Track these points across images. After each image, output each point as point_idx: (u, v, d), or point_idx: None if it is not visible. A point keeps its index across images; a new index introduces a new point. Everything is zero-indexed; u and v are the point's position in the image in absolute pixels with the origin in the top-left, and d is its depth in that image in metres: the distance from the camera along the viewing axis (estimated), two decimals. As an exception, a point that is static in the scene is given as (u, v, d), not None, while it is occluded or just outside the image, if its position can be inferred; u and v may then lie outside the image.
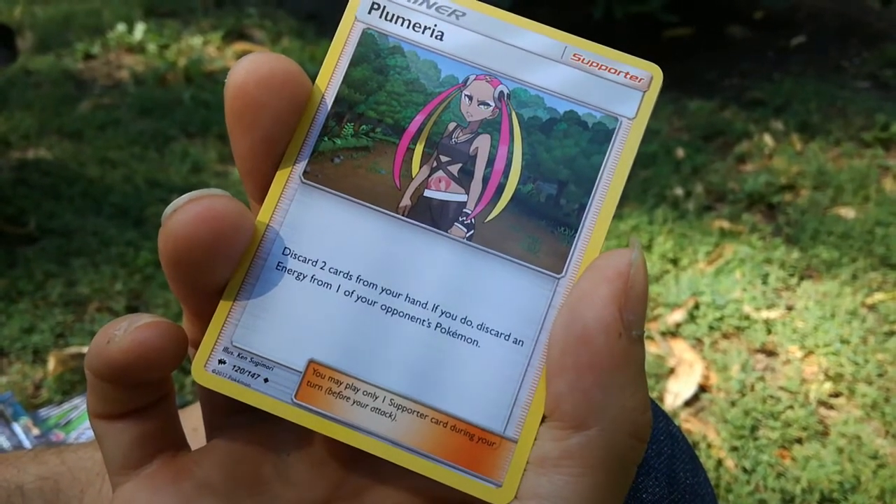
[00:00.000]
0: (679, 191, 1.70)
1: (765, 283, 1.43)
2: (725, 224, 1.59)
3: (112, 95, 2.17)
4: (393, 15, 0.25)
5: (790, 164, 1.78)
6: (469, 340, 0.23)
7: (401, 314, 0.24)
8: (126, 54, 2.41)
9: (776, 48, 2.33)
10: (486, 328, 0.23)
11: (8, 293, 1.41)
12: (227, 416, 0.26)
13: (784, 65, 2.23)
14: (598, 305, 0.21)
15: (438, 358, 0.23)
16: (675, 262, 1.49)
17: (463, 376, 0.23)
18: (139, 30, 2.47)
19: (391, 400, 0.23)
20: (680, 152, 1.84)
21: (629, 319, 0.21)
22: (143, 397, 0.24)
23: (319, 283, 0.24)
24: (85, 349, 1.29)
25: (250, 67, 0.23)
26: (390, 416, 0.23)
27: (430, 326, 0.23)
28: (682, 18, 2.23)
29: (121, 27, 2.49)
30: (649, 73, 0.25)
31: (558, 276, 0.24)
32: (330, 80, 0.25)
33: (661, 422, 0.43)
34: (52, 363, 1.27)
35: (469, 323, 0.23)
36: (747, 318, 1.35)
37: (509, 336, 0.23)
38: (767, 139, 1.88)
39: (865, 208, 1.62)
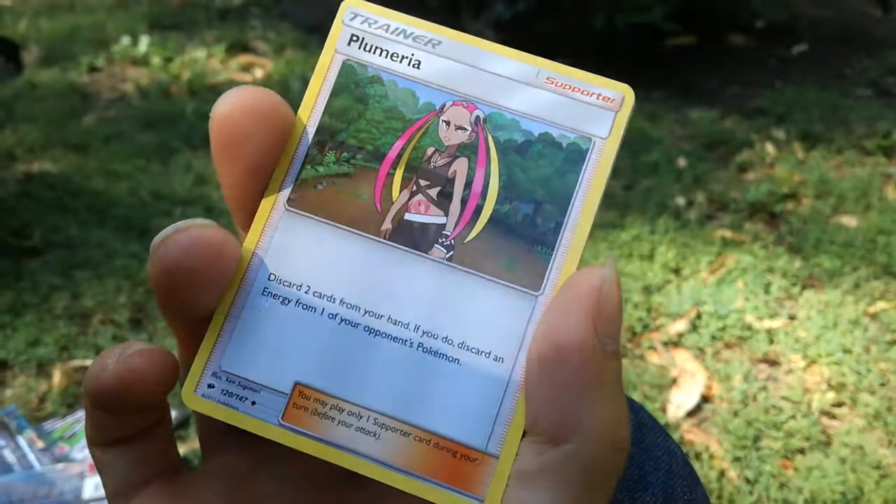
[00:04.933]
0: (681, 200, 1.70)
1: (767, 292, 1.43)
2: (727, 233, 1.59)
3: (116, 108, 2.19)
4: (372, 46, 0.26)
5: (792, 172, 1.78)
6: (450, 359, 0.24)
7: (383, 335, 0.24)
8: (130, 67, 2.42)
9: (777, 57, 2.33)
10: (467, 346, 0.24)
11: (13, 306, 1.41)
12: (222, 438, 0.26)
13: (785, 73, 2.24)
14: (571, 322, 0.22)
15: (421, 377, 0.24)
16: (676, 271, 1.49)
17: (445, 394, 0.24)
18: (143, 43, 2.49)
19: (375, 419, 0.24)
20: (682, 161, 1.84)
21: (602, 334, 0.22)
22: (139, 422, 0.25)
23: (304, 306, 0.24)
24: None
25: (234, 100, 0.24)
26: (375, 435, 0.23)
27: (412, 346, 0.24)
28: (684, 28, 2.24)
29: (125, 40, 2.51)
30: (621, 94, 0.25)
31: (536, 293, 0.24)
32: (312, 110, 0.26)
33: (659, 437, 0.43)
34: (56, 376, 1.28)
35: (450, 342, 0.24)
36: (749, 327, 1.35)
37: (490, 354, 0.24)
38: (769, 148, 1.88)
39: (867, 217, 1.62)
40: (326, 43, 0.26)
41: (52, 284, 1.46)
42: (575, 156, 0.25)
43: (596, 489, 0.22)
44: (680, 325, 1.36)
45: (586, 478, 0.22)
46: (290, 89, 2.15)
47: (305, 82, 0.26)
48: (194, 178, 1.83)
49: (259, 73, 2.38)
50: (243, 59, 2.48)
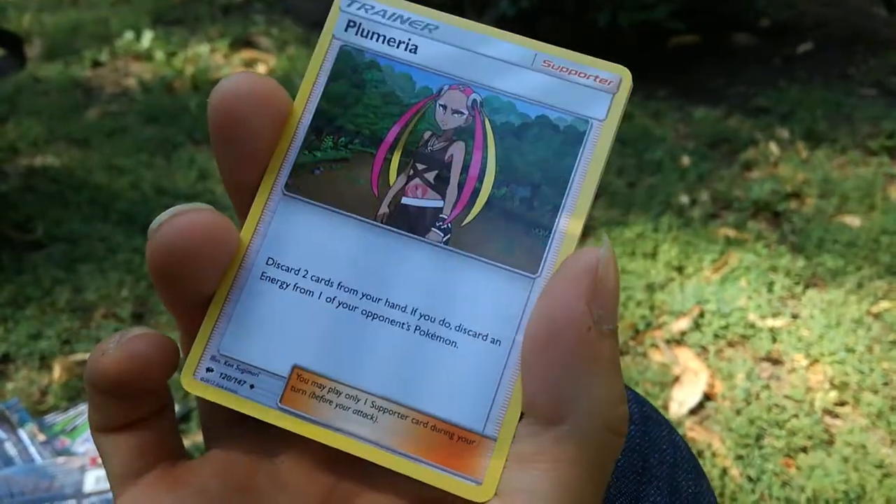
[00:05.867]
0: (684, 198, 1.70)
1: (770, 291, 1.42)
2: (731, 232, 1.59)
3: (119, 103, 2.19)
4: (368, 31, 0.26)
5: (796, 171, 1.78)
6: (447, 342, 0.24)
7: (381, 318, 0.24)
8: (133, 62, 2.43)
9: (782, 56, 2.33)
10: (465, 329, 0.24)
11: (15, 299, 1.42)
12: (224, 426, 0.26)
13: (790, 72, 2.23)
14: (566, 302, 0.22)
15: (418, 360, 0.24)
16: (680, 269, 1.49)
17: (442, 377, 0.24)
18: (147, 38, 2.49)
19: (372, 402, 0.24)
20: (685, 160, 1.84)
21: (599, 314, 0.22)
22: (140, 408, 0.25)
23: (302, 290, 0.24)
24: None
25: (231, 86, 0.24)
26: (372, 417, 0.24)
27: (409, 329, 0.24)
28: (688, 26, 2.24)
29: (128, 35, 2.51)
30: (618, 76, 0.25)
31: (534, 276, 0.24)
32: (309, 95, 0.26)
33: (665, 430, 0.43)
34: (57, 370, 1.28)
35: (447, 325, 0.24)
36: (752, 326, 1.35)
37: (487, 336, 0.24)
38: (773, 147, 1.88)
39: (871, 216, 1.62)
40: (324, 29, 0.26)
41: (55, 278, 1.46)
42: (572, 138, 0.25)
43: (592, 470, 0.22)
44: (683, 323, 1.36)
45: (582, 458, 0.22)
46: (293, 85, 2.15)
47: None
48: (197, 172, 1.83)
49: (262, 69, 2.38)
50: (246, 54, 2.48)
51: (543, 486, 0.21)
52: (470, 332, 0.24)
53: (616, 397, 0.22)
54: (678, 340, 1.34)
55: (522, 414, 0.23)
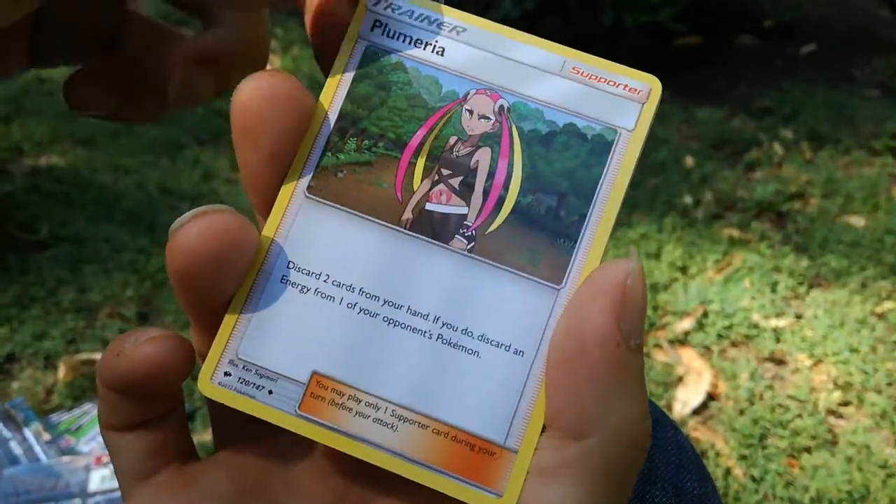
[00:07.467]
0: (688, 199, 1.70)
1: (774, 291, 1.42)
2: (734, 232, 1.59)
3: (124, 103, 2.19)
4: (395, 32, 0.25)
5: (799, 172, 1.78)
6: (470, 351, 0.23)
7: (402, 326, 0.24)
8: (138, 62, 2.43)
9: (785, 57, 2.33)
10: (487, 339, 0.23)
11: (20, 299, 1.42)
12: (235, 427, 0.26)
13: (793, 73, 2.23)
14: (594, 316, 0.22)
15: (440, 369, 0.23)
16: (683, 270, 1.49)
17: (464, 387, 0.23)
18: (151, 38, 2.49)
19: (393, 411, 0.23)
20: (689, 160, 1.84)
21: (627, 329, 0.22)
22: (153, 409, 0.24)
23: (323, 295, 0.24)
24: (96, 356, 1.30)
25: (255, 85, 0.23)
26: (392, 426, 0.23)
27: (431, 338, 0.24)
28: (692, 27, 2.24)
29: (133, 35, 2.51)
30: (648, 85, 0.25)
31: (558, 286, 0.24)
32: (333, 96, 0.25)
33: (670, 431, 0.43)
34: (62, 369, 1.28)
35: (470, 334, 0.23)
36: (756, 326, 1.35)
37: (510, 347, 0.23)
38: (777, 147, 1.88)
39: (875, 217, 1.62)
40: (349, 28, 0.26)
41: (60, 278, 1.47)
42: (600, 147, 0.24)
43: (615, 486, 0.22)
44: (686, 324, 1.36)
45: (606, 474, 0.21)
46: (298, 85, 2.15)
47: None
48: (202, 173, 1.83)
49: (266, 70, 2.39)
50: (250, 55, 2.48)
51: (566, 500, 0.21)
52: (493, 342, 0.23)
53: (641, 413, 0.22)
54: (682, 341, 1.34)
55: (544, 426, 0.23)
